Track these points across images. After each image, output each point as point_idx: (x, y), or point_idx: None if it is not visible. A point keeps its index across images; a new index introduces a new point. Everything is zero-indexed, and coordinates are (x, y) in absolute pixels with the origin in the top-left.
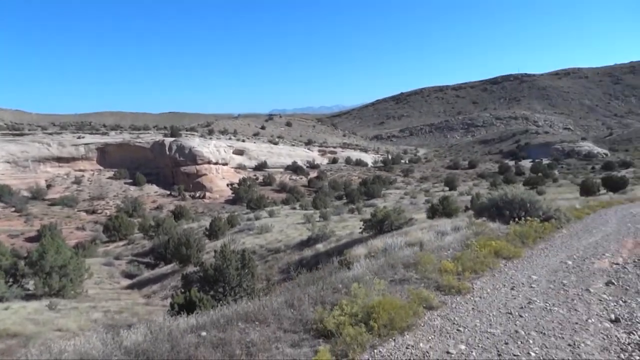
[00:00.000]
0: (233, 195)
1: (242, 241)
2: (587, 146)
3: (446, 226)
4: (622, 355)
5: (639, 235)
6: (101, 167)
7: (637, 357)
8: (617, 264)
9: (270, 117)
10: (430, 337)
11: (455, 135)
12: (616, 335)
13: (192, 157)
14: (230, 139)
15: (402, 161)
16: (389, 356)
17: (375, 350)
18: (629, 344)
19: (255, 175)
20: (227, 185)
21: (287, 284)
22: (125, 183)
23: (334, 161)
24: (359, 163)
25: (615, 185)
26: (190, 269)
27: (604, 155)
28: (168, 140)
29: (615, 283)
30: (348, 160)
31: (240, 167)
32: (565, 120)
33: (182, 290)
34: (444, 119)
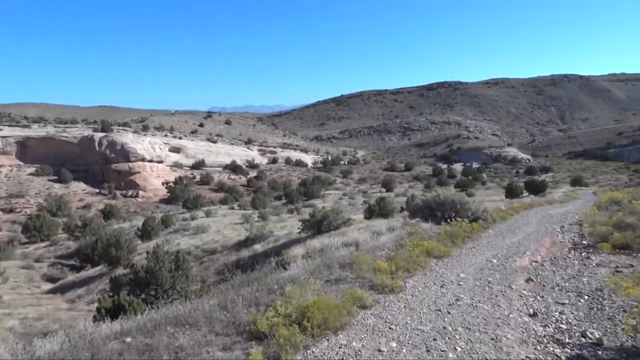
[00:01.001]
0: (168, 194)
1: (177, 242)
2: (512, 152)
3: (382, 227)
4: (538, 347)
5: (556, 235)
6: (21, 163)
7: (551, 349)
8: (536, 261)
9: (209, 114)
10: (362, 336)
11: (392, 138)
12: (534, 329)
13: (125, 154)
14: (166, 135)
15: (342, 162)
16: (321, 356)
17: (308, 351)
18: (544, 336)
19: (192, 174)
20: (162, 184)
21: (221, 286)
22: (49, 180)
23: (274, 161)
24: (299, 163)
25: (536, 189)
26: (120, 271)
27: (527, 161)
28: (98, 135)
29: (534, 280)
30: (288, 161)
31: (176, 166)
32: (494, 126)
33: (111, 294)
34: (383, 122)
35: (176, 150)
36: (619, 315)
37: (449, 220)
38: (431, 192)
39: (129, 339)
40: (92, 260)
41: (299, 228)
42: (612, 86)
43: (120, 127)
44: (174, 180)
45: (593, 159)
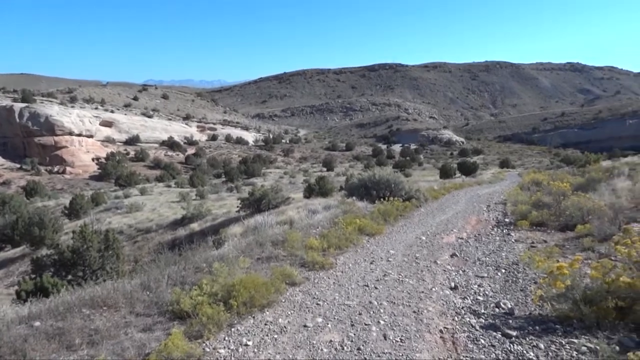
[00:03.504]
0: (99, 171)
1: (109, 220)
2: (447, 134)
3: (319, 205)
4: (456, 318)
5: (482, 213)
6: None
7: (468, 319)
8: (462, 238)
9: (144, 87)
10: (289, 312)
11: (334, 118)
12: (453, 301)
13: (50, 127)
14: (97, 108)
15: (283, 141)
16: (246, 333)
17: (232, 329)
18: (462, 307)
19: (125, 150)
20: (93, 159)
21: (145, 266)
22: None
23: (214, 138)
24: (240, 141)
25: (468, 170)
26: (45, 252)
27: (461, 143)
28: (18, 105)
29: (458, 255)
30: (228, 138)
31: (108, 141)
32: (431, 109)
33: (33, 276)
34: (325, 102)
35: (108, 124)
36: (530, 286)
37: (383, 199)
38: (369, 171)
39: (37, 323)
40: (13, 240)
41: (237, 207)
42: (539, 74)
43: (45, 98)
44: (105, 156)
45: (520, 143)
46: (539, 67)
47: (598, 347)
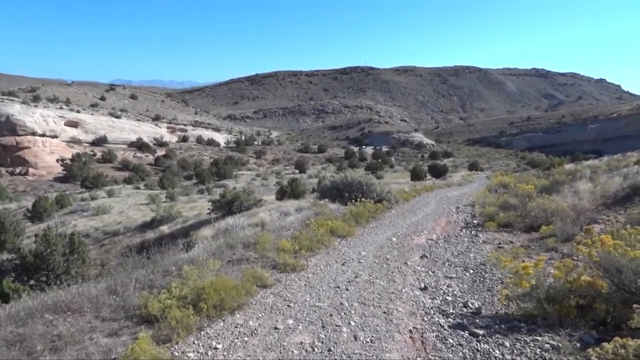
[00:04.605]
0: (64, 172)
1: (74, 223)
2: (418, 137)
3: (291, 207)
4: (425, 318)
5: (451, 215)
6: None
7: (437, 319)
8: (432, 239)
9: (112, 87)
10: (260, 315)
11: (307, 120)
12: (423, 301)
13: (11, 127)
14: (61, 108)
15: (255, 143)
16: (216, 337)
17: (202, 332)
18: (431, 307)
19: (92, 151)
20: (57, 161)
21: (112, 270)
22: None
23: (184, 139)
24: (211, 143)
25: (438, 172)
26: (5, 256)
27: (432, 146)
28: None
29: (428, 256)
30: (199, 140)
31: (74, 141)
32: (403, 112)
33: None
34: (297, 104)
35: (74, 124)
36: (497, 286)
37: (355, 201)
38: (341, 173)
39: None
40: None
41: (209, 209)
42: (506, 79)
43: (5, 97)
44: (71, 157)
45: (488, 146)
46: (506, 72)
47: (560, 345)
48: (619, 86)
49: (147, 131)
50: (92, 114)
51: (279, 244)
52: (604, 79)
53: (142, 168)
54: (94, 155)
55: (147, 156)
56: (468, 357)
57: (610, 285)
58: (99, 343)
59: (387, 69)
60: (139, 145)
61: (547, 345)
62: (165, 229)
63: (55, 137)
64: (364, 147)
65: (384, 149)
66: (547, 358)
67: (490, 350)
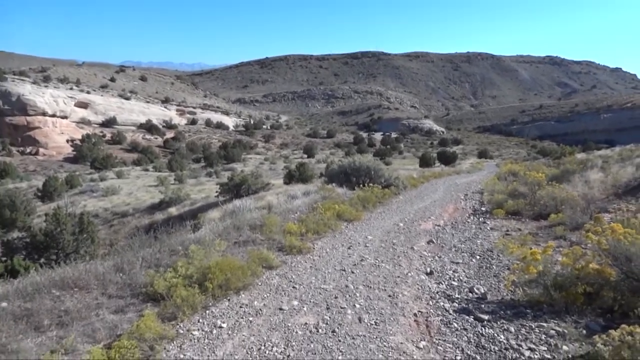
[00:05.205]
0: (74, 153)
1: (84, 204)
2: (428, 124)
3: (298, 191)
4: (430, 302)
5: (459, 202)
6: None
7: (442, 303)
8: (439, 225)
9: (122, 68)
10: (265, 295)
11: (316, 104)
12: (428, 286)
13: (22, 107)
14: (71, 89)
15: (264, 127)
16: (221, 316)
17: (207, 311)
18: (437, 292)
19: (102, 132)
20: (67, 141)
21: (120, 249)
22: None
23: (193, 122)
24: (220, 126)
25: (447, 159)
26: (17, 234)
27: (441, 133)
28: None
29: (435, 242)
30: (208, 123)
31: (83, 122)
32: (413, 98)
33: (3, 259)
34: (307, 88)
35: (83, 105)
36: (503, 272)
37: (363, 186)
38: (349, 158)
39: (4, 304)
40: None
41: (216, 191)
42: (519, 67)
43: (16, 77)
44: (80, 138)
45: (499, 134)
46: (519, 60)
47: (566, 331)
48: (634, 75)
49: (157, 113)
50: (101, 95)
51: (286, 226)
52: (620, 68)
53: (151, 150)
54: (104, 136)
55: (156, 138)
56: (472, 341)
57: (619, 274)
58: (105, 319)
59: (398, 55)
60: (148, 127)
61: (552, 332)
62: (173, 210)
63: (65, 117)
64: (373, 133)
65: (393, 135)
66: (553, 344)
67: (495, 335)
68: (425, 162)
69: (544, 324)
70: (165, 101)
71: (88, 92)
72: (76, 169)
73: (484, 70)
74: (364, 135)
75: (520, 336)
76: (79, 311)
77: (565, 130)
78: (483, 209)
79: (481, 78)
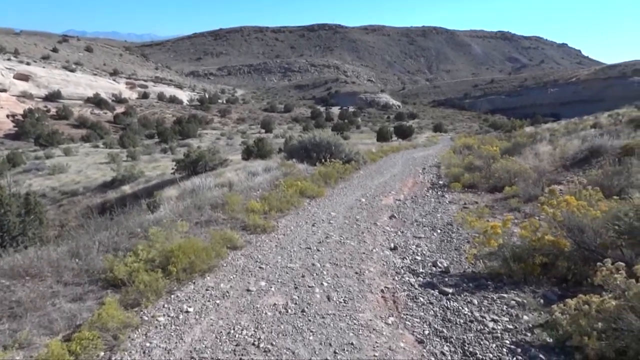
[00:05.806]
0: (16, 128)
1: (29, 183)
2: (385, 98)
3: (258, 167)
4: (396, 278)
5: (418, 175)
6: None
7: (407, 278)
8: (400, 200)
9: (65, 38)
10: (231, 277)
11: (273, 78)
12: (393, 261)
13: None
14: (9, 59)
15: (220, 101)
16: (186, 300)
17: (172, 296)
18: (401, 267)
19: (46, 107)
20: (8, 116)
21: (73, 232)
22: None
23: (145, 96)
24: (174, 100)
25: (404, 133)
26: None
27: (398, 107)
28: None
29: (397, 217)
30: (161, 97)
31: (25, 96)
32: (370, 72)
33: None
34: (263, 61)
35: (24, 77)
36: (464, 245)
37: (323, 161)
38: (310, 133)
39: None
40: None
41: (172, 168)
42: (472, 41)
43: None
44: (22, 112)
45: (452, 108)
46: (472, 35)
47: (525, 301)
48: (579, 51)
49: (105, 87)
50: (44, 67)
51: (248, 204)
52: (566, 44)
53: (100, 125)
54: (48, 111)
55: (105, 113)
56: (439, 315)
57: (572, 244)
58: (62, 309)
59: (355, 28)
60: (97, 102)
61: (513, 302)
62: (127, 188)
63: (4, 90)
64: (330, 107)
65: (351, 109)
66: (514, 314)
67: (460, 307)
68: (382, 136)
69: (505, 295)
70: (114, 74)
71: (28, 64)
72: (19, 146)
73: (439, 44)
74: (322, 109)
75: (483, 308)
76: (32, 301)
77: (515, 104)
78: (441, 182)
79: (436, 52)
